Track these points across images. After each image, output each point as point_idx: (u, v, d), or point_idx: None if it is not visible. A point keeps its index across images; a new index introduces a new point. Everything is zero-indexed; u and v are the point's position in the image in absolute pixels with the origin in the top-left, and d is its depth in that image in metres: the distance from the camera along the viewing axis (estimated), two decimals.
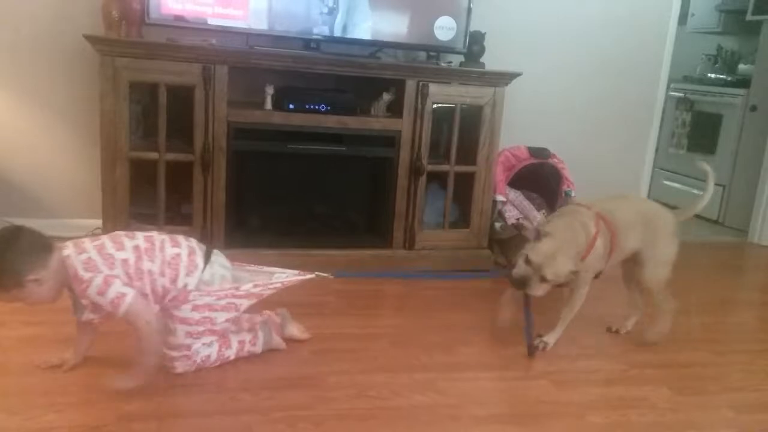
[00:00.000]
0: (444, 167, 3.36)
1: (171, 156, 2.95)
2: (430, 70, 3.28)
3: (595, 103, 3.98)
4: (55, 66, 3.16)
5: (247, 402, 1.94)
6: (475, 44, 3.41)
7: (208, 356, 2.04)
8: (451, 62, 3.47)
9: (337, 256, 3.20)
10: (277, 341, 2.21)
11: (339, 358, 2.22)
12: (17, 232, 1.87)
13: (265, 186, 3.21)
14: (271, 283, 2.14)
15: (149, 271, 1.90)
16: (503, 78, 3.34)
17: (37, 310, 2.14)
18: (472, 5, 3.33)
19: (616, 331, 2.62)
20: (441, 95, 3.27)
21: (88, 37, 2.78)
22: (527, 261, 2.21)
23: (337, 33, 3.19)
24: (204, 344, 2.02)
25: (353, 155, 3.21)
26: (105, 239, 1.92)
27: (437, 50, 3.43)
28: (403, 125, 3.22)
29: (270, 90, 3.08)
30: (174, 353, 1.99)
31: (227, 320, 2.06)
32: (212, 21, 3.00)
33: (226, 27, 3.05)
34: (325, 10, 3.15)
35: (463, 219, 3.48)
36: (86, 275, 1.82)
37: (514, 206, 3.46)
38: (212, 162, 2.97)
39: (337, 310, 2.65)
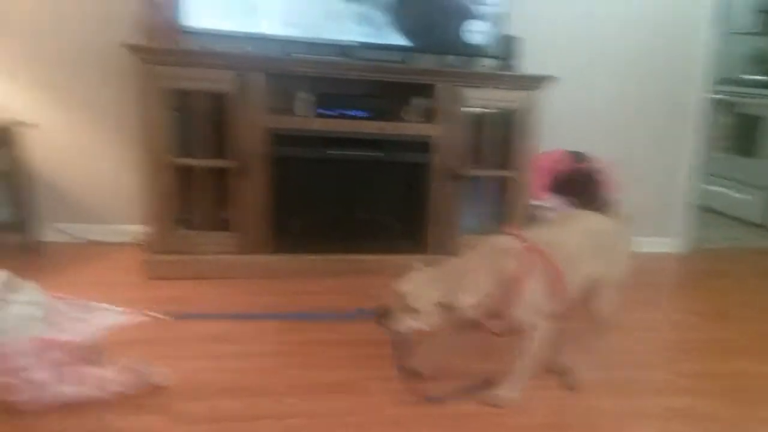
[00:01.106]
0: (480, 172, 3.38)
1: (210, 163, 3.01)
2: (464, 75, 3.29)
3: (633, 106, 3.94)
4: (100, 76, 3.26)
5: (295, 407, 2.00)
6: (509, 48, 3.41)
7: (63, 393, 1.87)
8: (484, 66, 3.48)
9: (370, 261, 3.19)
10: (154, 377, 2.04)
11: (380, 365, 2.21)
12: None
13: (307, 192, 3.26)
14: (89, 330, 1.92)
15: None
16: (538, 81, 3.34)
17: None
18: (506, 9, 3.34)
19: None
20: (475, 99, 3.28)
21: (129, 46, 2.85)
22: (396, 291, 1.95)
23: (372, 39, 3.22)
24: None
25: (390, 161, 3.24)
26: None
27: (471, 54, 3.44)
28: (437, 130, 3.25)
29: (307, 96, 3.12)
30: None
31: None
32: (248, 28, 3.05)
33: (262, 34, 3.09)
34: (360, 16, 3.18)
35: (499, 224, 3.48)
36: None
37: (554, 212, 3.45)
38: (250, 168, 3.03)
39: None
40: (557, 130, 3.60)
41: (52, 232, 3.34)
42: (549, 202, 3.46)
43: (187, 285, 2.88)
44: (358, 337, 2.44)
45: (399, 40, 3.26)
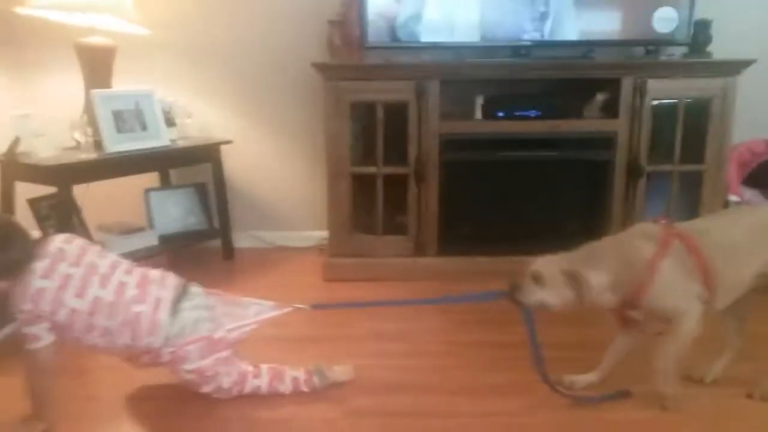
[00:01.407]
0: (666, 167, 3.13)
1: (388, 170, 3.11)
2: (648, 66, 3.08)
3: None
4: (285, 92, 3.53)
5: (464, 405, 1.99)
6: (700, 33, 3.14)
7: (259, 388, 2.03)
8: (673, 55, 3.23)
9: None
10: (337, 376, 2.11)
11: (549, 368, 2.11)
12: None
13: (476, 194, 3.24)
14: (246, 324, 2.01)
15: (105, 328, 1.81)
16: (734, 67, 3.02)
17: None
18: None
19: (700, 380, 2.08)
20: (662, 91, 3.05)
21: (315, 65, 3.04)
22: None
23: (547, 37, 3.14)
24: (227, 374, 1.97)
25: (566, 159, 3.12)
26: (78, 272, 1.80)
27: (657, 44, 3.21)
28: (620, 125, 3.06)
29: (480, 100, 3.12)
30: (220, 395, 2.00)
31: (228, 376, 1.98)
32: (424, 38, 3.13)
33: (437, 43, 3.15)
34: (536, 15, 3.12)
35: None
36: (24, 306, 1.74)
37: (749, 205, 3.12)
38: (425, 174, 3.08)
39: (556, 318, 2.55)
40: (754, 117, 3.23)
41: (244, 239, 3.66)
42: (745, 196, 3.11)
43: (362, 286, 2.99)
44: (524, 339, 2.36)
45: (577, 35, 3.14)
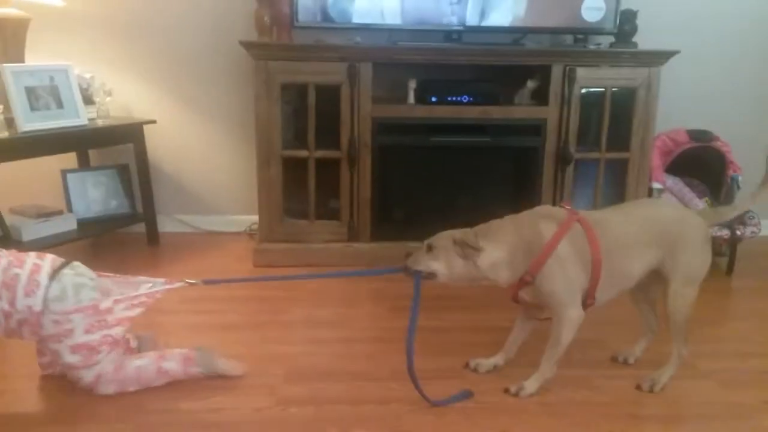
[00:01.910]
0: (594, 155, 3.21)
1: (320, 153, 3.05)
2: (578, 54, 3.14)
3: (764, 81, 3.60)
4: (213, 71, 3.40)
5: (398, 391, 1.97)
6: (626, 23, 3.21)
7: (139, 369, 1.94)
8: (600, 44, 3.30)
9: None
10: (223, 367, 2.05)
11: (485, 352, 2.17)
12: None
13: (409, 179, 3.24)
14: (135, 296, 1.94)
15: None
16: (658, 57, 3.12)
17: (201, 300, 2.35)
18: None
19: (624, 361, 2.17)
20: (590, 79, 3.12)
21: (243, 43, 2.94)
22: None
23: (479, 22, 3.14)
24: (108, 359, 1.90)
25: (497, 145, 3.15)
26: None
27: (585, 32, 3.27)
28: (549, 112, 3.11)
29: (412, 84, 3.10)
30: (101, 389, 1.91)
31: (110, 352, 1.90)
32: (356, 19, 3.07)
33: (370, 24, 3.10)
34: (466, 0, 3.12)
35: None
36: None
37: (673, 194, 3.23)
38: (358, 158, 3.04)
39: (478, 303, 2.61)
40: (679, 108, 3.36)
41: (170, 223, 3.53)
42: (667, 184, 3.23)
43: (294, 272, 2.91)
44: (463, 325, 2.39)
45: (509, 21, 3.16)
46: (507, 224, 1.95)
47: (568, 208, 1.99)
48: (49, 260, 1.87)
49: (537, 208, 2.04)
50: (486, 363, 2.13)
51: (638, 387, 2.03)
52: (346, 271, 2.83)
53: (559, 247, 1.87)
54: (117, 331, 1.89)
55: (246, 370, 2.07)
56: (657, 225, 1.97)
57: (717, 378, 2.09)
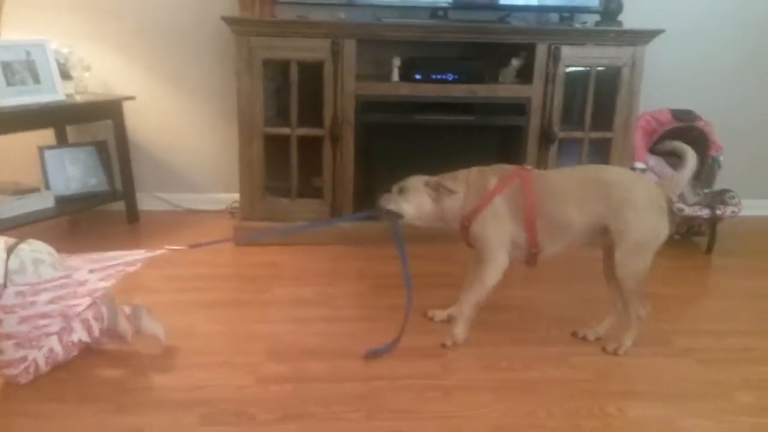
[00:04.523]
0: (577, 134, 3.21)
1: (302, 131, 3.02)
2: (563, 32, 3.12)
3: (747, 61, 3.60)
4: (193, 47, 3.34)
5: (378, 369, 1.97)
6: (612, 2, 3.20)
7: (51, 351, 1.86)
8: (585, 23, 3.28)
9: None
10: (124, 327, 2.00)
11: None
12: None
13: (392, 157, 3.22)
14: (111, 266, 1.91)
15: None
16: (643, 36, 3.11)
17: (184, 279, 2.34)
18: None
19: (583, 338, 2.20)
20: (575, 58, 3.10)
21: (225, 19, 2.89)
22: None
23: None
24: (41, 347, 1.84)
25: (481, 124, 3.13)
26: None
27: (571, 11, 3.26)
28: (534, 91, 3.10)
29: (397, 61, 3.07)
30: (10, 371, 1.83)
31: (64, 321, 1.87)
32: None
33: (354, 0, 3.06)
34: None
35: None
36: None
37: (655, 173, 3.24)
38: (341, 135, 3.02)
39: (459, 281, 2.60)
40: (662, 87, 3.36)
41: (150, 201, 3.48)
42: (650, 163, 3.24)
43: (275, 250, 2.92)
44: (442, 303, 2.38)
45: None
46: (467, 174, 2.14)
47: (527, 167, 2.18)
48: (3, 239, 1.87)
49: (497, 165, 2.20)
50: (441, 313, 2.30)
51: (603, 349, 2.10)
52: (322, 221, 2.96)
53: (494, 200, 2.06)
54: (84, 302, 1.87)
55: (163, 341, 2.06)
56: (601, 184, 2.06)
57: (695, 356, 2.11)
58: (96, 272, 1.88)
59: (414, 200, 2.11)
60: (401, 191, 2.13)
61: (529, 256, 2.11)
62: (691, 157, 2.10)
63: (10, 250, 1.81)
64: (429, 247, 2.48)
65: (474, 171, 2.15)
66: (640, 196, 2.02)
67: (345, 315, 2.36)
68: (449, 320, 2.24)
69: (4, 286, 1.76)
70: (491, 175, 2.12)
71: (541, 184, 2.08)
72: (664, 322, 2.24)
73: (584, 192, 2.06)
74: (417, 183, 2.13)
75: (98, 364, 1.94)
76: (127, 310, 2.04)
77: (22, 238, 1.89)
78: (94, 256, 1.97)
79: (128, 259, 1.95)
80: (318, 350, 2.08)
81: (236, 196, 3.17)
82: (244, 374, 1.93)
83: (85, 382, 1.87)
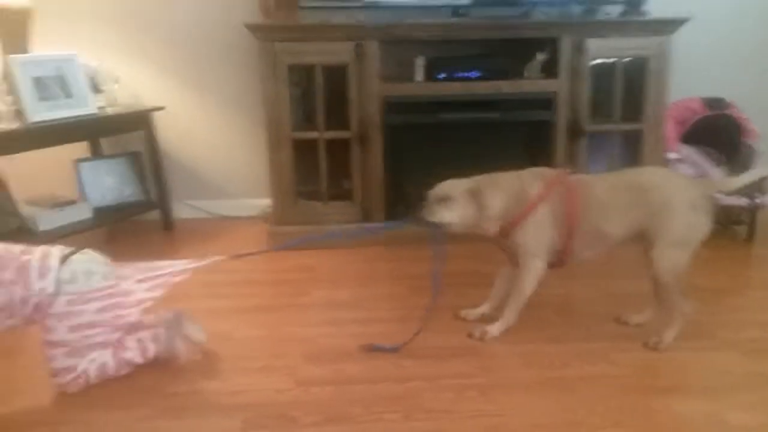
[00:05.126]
0: (607, 127, 3.17)
1: (330, 134, 3.04)
2: (587, 25, 3.09)
3: None
4: (219, 55, 3.39)
5: (415, 370, 1.98)
6: None
7: (104, 365, 1.89)
8: (609, 14, 3.24)
9: None
10: (179, 349, 2.01)
11: (505, 333, 2.17)
12: None
13: (420, 157, 3.22)
14: (157, 276, 1.95)
15: (5, 281, 1.78)
16: (670, 25, 3.07)
17: (221, 285, 2.36)
18: None
19: (625, 322, 2.23)
20: (600, 50, 3.07)
21: (248, 26, 2.92)
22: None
23: None
24: (92, 359, 1.87)
25: (508, 120, 3.12)
26: None
27: (594, 2, 3.22)
28: (560, 85, 3.08)
29: (420, 61, 3.07)
30: (59, 379, 1.86)
31: (115, 332, 1.90)
32: None
33: (375, 2, 3.07)
34: None
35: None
36: None
37: (689, 164, 3.19)
38: (368, 137, 3.03)
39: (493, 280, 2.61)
40: (693, 76, 3.32)
41: (184, 209, 3.53)
42: (682, 153, 3.19)
43: (310, 254, 2.94)
44: (477, 303, 2.37)
45: None
46: (507, 179, 2.11)
47: (566, 171, 2.15)
48: (58, 248, 1.90)
49: (534, 168, 2.16)
50: (474, 312, 2.28)
51: (645, 344, 2.07)
52: (364, 230, 2.97)
53: (538, 208, 2.04)
54: (132, 312, 1.90)
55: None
56: (641, 191, 2.04)
57: (739, 348, 2.08)
58: (143, 282, 1.92)
59: (456, 210, 2.06)
60: (443, 200, 2.08)
61: (558, 261, 2.11)
62: (756, 172, 2.16)
63: (63, 260, 1.84)
64: (461, 246, 2.46)
65: (513, 176, 2.12)
66: (680, 199, 2.00)
67: (380, 316, 2.37)
68: (482, 319, 2.24)
69: (55, 295, 1.80)
70: (533, 180, 2.09)
71: (585, 193, 2.06)
72: (705, 314, 2.20)
73: (626, 201, 2.04)
74: (459, 193, 2.07)
75: (139, 370, 1.96)
76: (157, 321, 2.04)
77: (77, 248, 1.92)
78: (143, 265, 2.00)
79: (174, 269, 1.97)
80: (355, 352, 2.09)
81: (268, 201, 3.20)
82: (284, 377, 1.94)
83: (126, 389, 1.89)
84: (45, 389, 1.90)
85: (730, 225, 3.11)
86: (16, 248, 1.86)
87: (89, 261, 1.89)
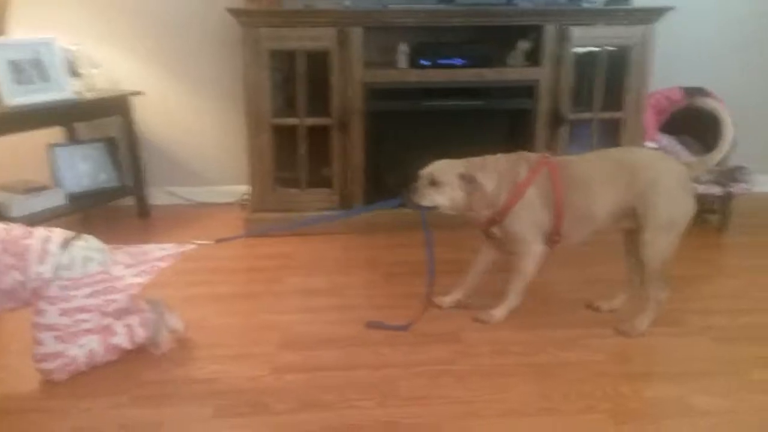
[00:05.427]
0: (587, 115, 3.17)
1: (310, 121, 3.02)
2: (571, 13, 3.08)
3: (759, 36, 3.54)
4: (200, 40, 3.34)
5: (391, 356, 1.98)
6: None
7: (92, 351, 1.88)
8: (594, 2, 3.23)
9: None
10: (164, 338, 2.00)
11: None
12: None
13: (402, 145, 3.20)
14: (143, 261, 1.94)
15: (7, 265, 1.78)
16: (653, 14, 3.06)
17: (196, 272, 2.34)
18: None
19: (596, 309, 2.24)
20: (584, 39, 3.07)
21: (230, 10, 2.88)
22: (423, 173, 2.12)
23: None
24: (81, 345, 1.86)
25: (490, 108, 3.11)
26: None
27: None
28: (542, 73, 3.07)
29: (404, 48, 3.05)
30: (46, 365, 1.84)
31: (103, 318, 1.89)
32: None
33: None
34: None
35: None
36: None
37: (667, 153, 3.20)
38: (349, 124, 3.01)
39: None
40: (674, 66, 3.32)
41: (161, 195, 3.50)
42: (661, 142, 3.20)
43: (286, 241, 2.92)
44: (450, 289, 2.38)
45: None
46: (497, 163, 2.11)
47: (545, 154, 2.17)
48: (59, 232, 1.89)
49: (520, 153, 2.16)
50: (448, 299, 2.28)
51: (616, 330, 2.09)
52: (351, 211, 2.99)
53: (527, 191, 2.04)
54: (122, 297, 1.89)
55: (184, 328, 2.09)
56: (625, 167, 2.04)
57: (710, 334, 2.10)
58: (131, 267, 1.91)
59: (448, 193, 2.07)
60: (434, 183, 2.08)
61: (549, 243, 2.11)
62: (726, 138, 2.07)
63: (64, 245, 1.84)
64: (438, 234, 2.46)
65: (501, 159, 2.12)
66: (668, 177, 2.00)
67: (356, 303, 2.36)
68: (457, 305, 2.26)
69: (52, 280, 1.79)
70: (519, 164, 2.09)
71: (568, 173, 2.06)
72: (677, 301, 2.21)
73: (610, 178, 2.04)
74: (451, 176, 2.07)
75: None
76: (145, 305, 2.03)
77: (79, 234, 1.91)
78: (131, 249, 1.99)
79: (159, 254, 1.97)
80: (330, 339, 2.09)
81: (246, 188, 3.18)
82: (259, 365, 1.93)
83: (99, 376, 1.88)
84: (18, 376, 1.88)
85: (703, 213, 3.13)
86: (18, 230, 1.84)
87: (89, 248, 1.88)
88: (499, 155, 2.15)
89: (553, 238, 2.10)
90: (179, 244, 2.02)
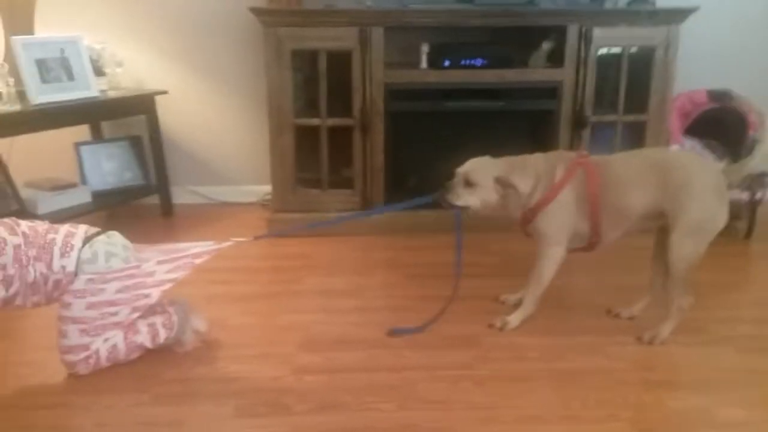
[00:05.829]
0: (610, 117, 3.15)
1: (332, 121, 3.03)
2: (594, 13, 3.05)
3: None
4: (223, 40, 3.37)
5: (411, 359, 1.98)
6: None
7: (114, 347, 1.89)
8: (617, 2, 3.20)
9: None
10: (188, 338, 2.03)
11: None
12: None
13: (422, 146, 3.20)
14: (178, 257, 1.95)
15: (30, 257, 1.80)
16: (678, 15, 3.03)
17: (217, 271, 2.36)
18: None
19: (616, 315, 2.22)
20: (606, 39, 3.04)
21: (253, 10, 2.89)
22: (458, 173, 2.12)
23: None
24: (106, 339, 1.88)
25: (512, 109, 3.10)
26: None
27: None
28: (565, 75, 3.05)
29: (425, 48, 3.04)
30: (71, 357, 1.87)
31: (133, 312, 1.90)
32: None
33: None
34: None
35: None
36: None
37: None
38: (370, 125, 3.01)
39: (494, 271, 2.61)
40: (699, 67, 3.28)
41: (184, 194, 3.53)
42: (686, 146, 3.17)
43: (306, 241, 2.94)
44: (477, 293, 2.37)
45: None
46: (535, 163, 2.09)
47: (583, 153, 2.14)
48: (84, 228, 1.92)
49: (558, 151, 2.18)
50: (513, 297, 2.30)
51: (639, 339, 2.06)
52: (383, 208, 3.03)
53: (561, 192, 2.03)
54: (153, 293, 1.91)
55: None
56: (660, 167, 2.01)
57: (734, 344, 2.07)
58: (164, 264, 1.92)
59: (480, 195, 2.07)
60: (468, 183, 2.08)
61: (589, 245, 2.10)
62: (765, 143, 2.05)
63: (86, 241, 1.86)
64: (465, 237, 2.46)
65: (540, 159, 2.11)
66: (701, 180, 1.96)
67: (376, 305, 2.37)
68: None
69: (75, 274, 1.82)
70: (555, 164, 2.08)
71: (604, 173, 2.04)
72: (701, 309, 2.18)
73: (645, 177, 2.01)
74: (486, 178, 2.06)
75: (139, 355, 1.96)
76: (170, 308, 2.03)
77: (102, 230, 1.94)
78: (164, 247, 2.01)
79: (195, 251, 1.98)
80: (350, 340, 2.10)
81: (268, 188, 3.19)
82: (279, 365, 1.95)
83: (121, 373, 1.90)
84: (45, 372, 1.92)
85: (729, 220, 3.08)
86: (42, 226, 1.88)
87: (111, 244, 1.91)
88: (537, 154, 2.14)
89: (591, 239, 2.08)
90: (216, 242, 2.03)
